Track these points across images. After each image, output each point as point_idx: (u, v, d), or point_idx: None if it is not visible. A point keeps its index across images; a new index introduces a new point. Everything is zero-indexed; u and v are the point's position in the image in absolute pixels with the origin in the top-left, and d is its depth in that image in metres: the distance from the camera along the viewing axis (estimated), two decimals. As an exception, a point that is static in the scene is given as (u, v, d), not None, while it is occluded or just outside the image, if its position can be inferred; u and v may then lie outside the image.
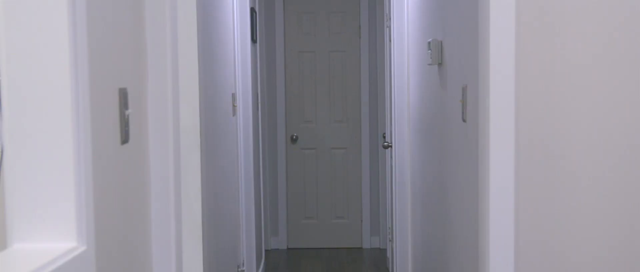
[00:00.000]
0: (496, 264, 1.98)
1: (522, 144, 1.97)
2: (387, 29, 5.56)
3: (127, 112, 1.72)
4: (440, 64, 3.00)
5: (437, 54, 3.01)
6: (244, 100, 4.77)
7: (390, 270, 5.58)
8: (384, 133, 5.96)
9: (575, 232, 1.98)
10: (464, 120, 2.40)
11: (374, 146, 6.61)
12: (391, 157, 5.27)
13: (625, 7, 1.93)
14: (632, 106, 1.94)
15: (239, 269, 4.10)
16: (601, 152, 1.96)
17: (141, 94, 1.90)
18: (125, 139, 1.72)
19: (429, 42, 3.07)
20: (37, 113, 1.34)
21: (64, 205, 1.35)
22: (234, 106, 4.01)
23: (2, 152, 1.42)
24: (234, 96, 4.04)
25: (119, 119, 1.69)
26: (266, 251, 6.54)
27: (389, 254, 5.80)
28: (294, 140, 6.64)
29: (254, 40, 5.42)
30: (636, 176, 1.96)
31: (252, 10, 5.32)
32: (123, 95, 1.70)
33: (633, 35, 1.93)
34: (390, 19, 5.21)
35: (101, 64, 1.55)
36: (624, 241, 1.98)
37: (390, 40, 5.26)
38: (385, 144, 5.34)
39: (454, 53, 2.66)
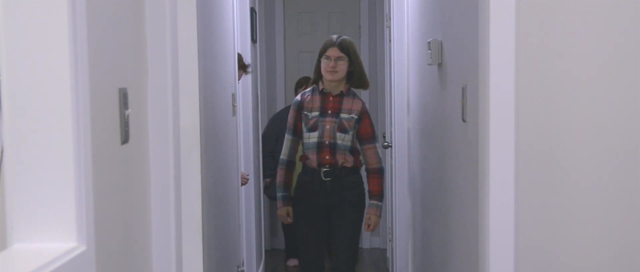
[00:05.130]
0: (496, 264, 1.98)
1: (522, 144, 1.96)
2: (387, 29, 5.56)
3: (127, 112, 1.72)
4: (440, 64, 3.00)
5: (437, 54, 3.01)
6: (244, 100, 4.77)
7: (390, 270, 5.58)
8: (384, 133, 5.96)
9: (575, 232, 1.98)
10: (464, 120, 2.40)
11: (374, 146, 6.60)
12: (391, 157, 5.27)
13: (626, 7, 1.93)
14: (633, 106, 1.94)
15: (239, 269, 4.10)
16: (602, 153, 1.95)
17: (141, 94, 1.90)
18: (125, 139, 1.72)
19: (429, 42, 3.07)
20: (37, 113, 1.34)
21: (64, 205, 1.35)
22: (234, 106, 4.01)
23: (2, 152, 1.42)
24: (234, 96, 4.04)
25: (119, 119, 1.69)
26: (266, 251, 6.53)
27: (389, 254, 5.80)
28: (294, 140, 6.63)
29: (254, 40, 5.41)
30: (637, 177, 1.96)
31: (252, 10, 5.32)
32: (123, 95, 1.70)
33: (634, 35, 1.93)
34: (390, 19, 5.22)
35: (101, 64, 1.55)
36: (624, 241, 1.98)
37: (390, 40, 5.26)
38: (385, 144, 5.33)
39: (454, 53, 2.66)
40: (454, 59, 2.66)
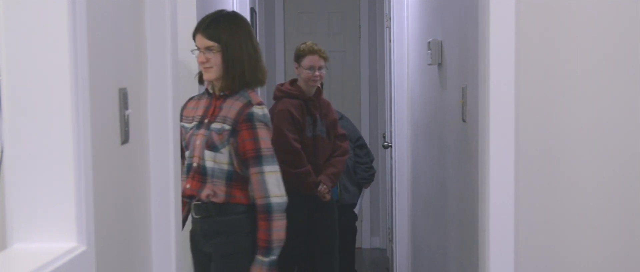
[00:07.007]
0: (496, 264, 1.98)
1: (522, 144, 1.96)
2: (387, 29, 5.56)
3: (127, 112, 1.72)
4: (440, 64, 3.00)
5: (437, 54, 3.01)
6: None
7: (390, 270, 5.58)
8: (384, 133, 5.97)
9: (575, 232, 1.98)
10: (464, 121, 2.40)
11: (374, 146, 6.61)
12: (391, 157, 5.27)
13: (626, 7, 1.93)
14: (633, 106, 1.94)
15: (239, 269, 4.09)
16: (602, 153, 1.95)
17: (141, 94, 1.90)
18: (125, 139, 1.72)
19: (429, 42, 3.08)
20: (37, 113, 1.34)
21: (64, 205, 1.35)
22: (234, 106, 4.00)
23: (2, 152, 1.42)
24: (234, 96, 4.03)
25: (119, 119, 1.69)
26: (266, 251, 6.53)
27: (389, 254, 5.80)
28: (294, 140, 6.61)
29: (254, 40, 5.40)
30: (637, 176, 1.96)
31: (252, 10, 5.32)
32: (123, 95, 1.70)
33: (634, 35, 1.93)
34: (390, 19, 5.22)
35: (101, 64, 1.55)
36: (624, 241, 1.98)
37: (390, 40, 5.26)
38: (385, 144, 5.34)
39: (454, 53, 2.66)
40: (454, 59, 2.66)
